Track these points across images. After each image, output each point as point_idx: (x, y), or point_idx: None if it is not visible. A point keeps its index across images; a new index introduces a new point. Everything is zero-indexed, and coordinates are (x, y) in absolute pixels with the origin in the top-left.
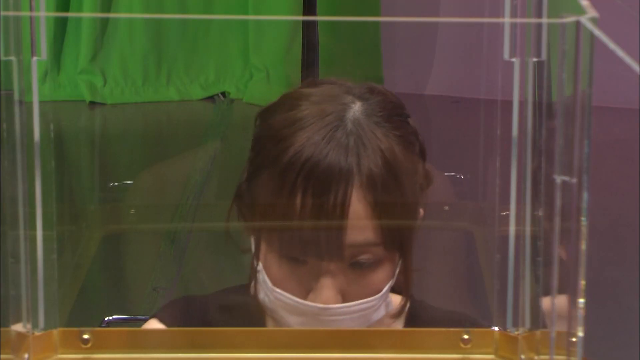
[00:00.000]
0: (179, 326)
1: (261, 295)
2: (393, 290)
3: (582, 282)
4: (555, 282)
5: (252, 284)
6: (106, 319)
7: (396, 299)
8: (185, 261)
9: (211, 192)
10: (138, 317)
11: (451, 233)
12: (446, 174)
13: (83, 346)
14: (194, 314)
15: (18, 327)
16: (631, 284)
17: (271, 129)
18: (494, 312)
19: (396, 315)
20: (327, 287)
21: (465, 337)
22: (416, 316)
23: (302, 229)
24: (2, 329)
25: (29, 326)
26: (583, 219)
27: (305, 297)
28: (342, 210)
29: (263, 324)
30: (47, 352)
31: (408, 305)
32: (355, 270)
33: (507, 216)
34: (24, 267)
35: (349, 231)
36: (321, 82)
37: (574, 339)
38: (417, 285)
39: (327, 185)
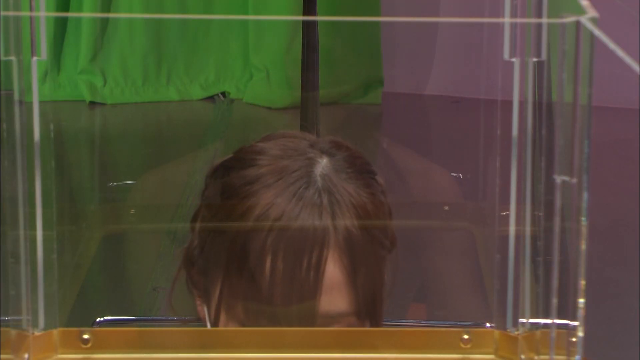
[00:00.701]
0: None
1: None
2: None
3: (582, 282)
4: (555, 282)
5: None
6: (97, 320)
7: None
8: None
9: None
10: (129, 317)
11: (451, 233)
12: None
13: (83, 346)
14: None
15: (18, 327)
16: (631, 284)
17: (229, 187)
18: (494, 312)
19: None
20: None
21: (465, 337)
22: None
23: (271, 297)
24: (2, 329)
25: (29, 326)
26: (583, 219)
27: None
28: (317, 276)
29: None
30: (47, 352)
31: None
32: None
33: (507, 216)
34: (24, 267)
35: (323, 300)
36: (280, 135)
37: (574, 339)
38: (417, 286)
39: (300, 249)
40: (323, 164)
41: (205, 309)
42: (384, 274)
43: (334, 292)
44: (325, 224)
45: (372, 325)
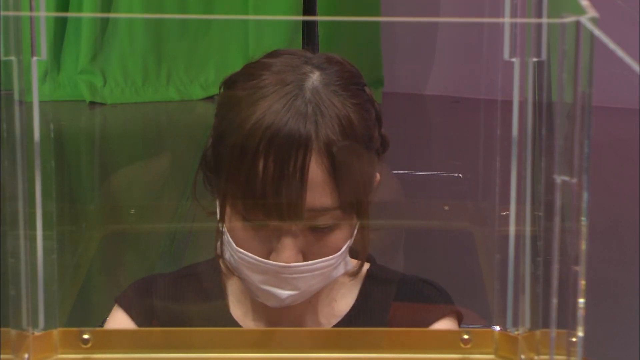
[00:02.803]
0: (139, 311)
1: (227, 255)
2: (353, 256)
3: (582, 282)
4: (555, 282)
5: (218, 244)
6: (108, 318)
7: (355, 262)
8: (185, 261)
9: None
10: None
11: (451, 233)
12: (446, 173)
13: (83, 346)
14: (155, 293)
15: (18, 327)
16: (631, 284)
17: (234, 97)
18: (494, 312)
19: (354, 274)
20: (288, 247)
21: (465, 337)
22: (375, 278)
23: (264, 193)
24: (2, 329)
25: (29, 326)
26: (583, 219)
27: (267, 257)
28: (302, 175)
29: (225, 292)
30: (47, 352)
31: (367, 266)
32: (315, 232)
33: (507, 216)
34: (24, 267)
35: (308, 196)
36: (282, 52)
37: (574, 339)
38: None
39: (287, 151)
40: (314, 77)
41: (217, 204)
42: (370, 174)
43: (318, 189)
44: (309, 131)
45: (358, 219)
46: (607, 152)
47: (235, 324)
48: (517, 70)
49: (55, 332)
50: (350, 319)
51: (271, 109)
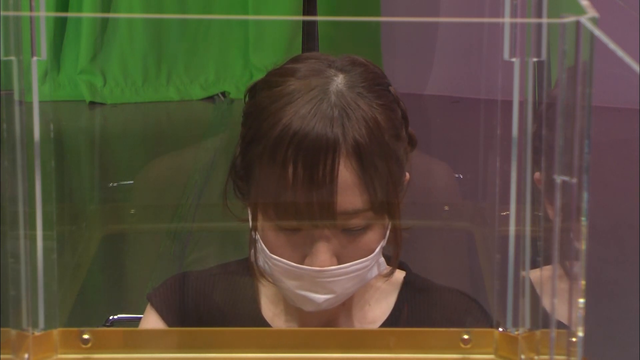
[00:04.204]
0: (170, 310)
1: (260, 262)
2: (386, 259)
3: (582, 282)
4: (555, 283)
5: (252, 251)
6: (111, 317)
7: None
8: (185, 261)
9: (211, 192)
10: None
11: (451, 233)
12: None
13: (83, 346)
14: (186, 291)
15: (18, 327)
16: (631, 284)
17: (260, 105)
18: (494, 312)
19: (388, 276)
20: (323, 251)
21: (465, 337)
22: (413, 286)
23: (295, 199)
24: (2, 329)
25: (29, 326)
26: (583, 219)
27: (302, 262)
28: (331, 179)
29: (257, 293)
30: (47, 352)
31: (402, 274)
32: (348, 234)
33: (507, 216)
34: (24, 267)
35: (339, 200)
36: (305, 57)
37: (574, 339)
38: None
39: (316, 156)
40: (338, 81)
41: (249, 211)
42: (399, 173)
43: (348, 192)
44: (336, 135)
45: (390, 218)
46: (607, 152)
47: (266, 325)
48: (517, 70)
49: (55, 332)
50: (390, 325)
51: (298, 114)
